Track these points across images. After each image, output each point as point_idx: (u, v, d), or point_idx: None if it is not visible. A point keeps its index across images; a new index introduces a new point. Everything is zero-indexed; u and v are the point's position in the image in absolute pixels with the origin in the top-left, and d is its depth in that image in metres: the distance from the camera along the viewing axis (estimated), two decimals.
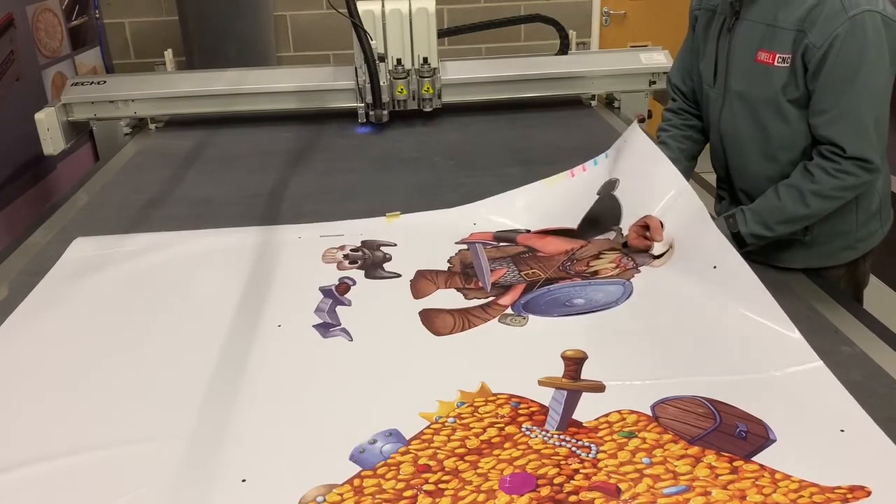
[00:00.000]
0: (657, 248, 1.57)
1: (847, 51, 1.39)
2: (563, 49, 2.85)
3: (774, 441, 1.07)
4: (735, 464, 1.03)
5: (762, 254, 1.59)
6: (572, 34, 2.90)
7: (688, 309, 1.42)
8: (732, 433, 1.09)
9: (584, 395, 1.19)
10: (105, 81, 2.72)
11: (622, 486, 1.00)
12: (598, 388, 1.20)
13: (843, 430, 1.09)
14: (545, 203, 1.82)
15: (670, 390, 1.18)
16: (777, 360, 1.24)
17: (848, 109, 1.42)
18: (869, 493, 0.96)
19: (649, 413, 1.14)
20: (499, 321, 1.42)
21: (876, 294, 1.87)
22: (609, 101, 2.95)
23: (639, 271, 1.55)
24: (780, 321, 1.31)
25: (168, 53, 3.10)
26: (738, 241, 1.52)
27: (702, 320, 1.39)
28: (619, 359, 1.28)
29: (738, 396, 1.16)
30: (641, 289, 1.50)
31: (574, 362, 1.27)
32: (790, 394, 1.17)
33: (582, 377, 1.23)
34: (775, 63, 1.48)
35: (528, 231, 1.77)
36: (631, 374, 1.24)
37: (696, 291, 1.45)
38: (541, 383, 1.22)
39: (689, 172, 1.74)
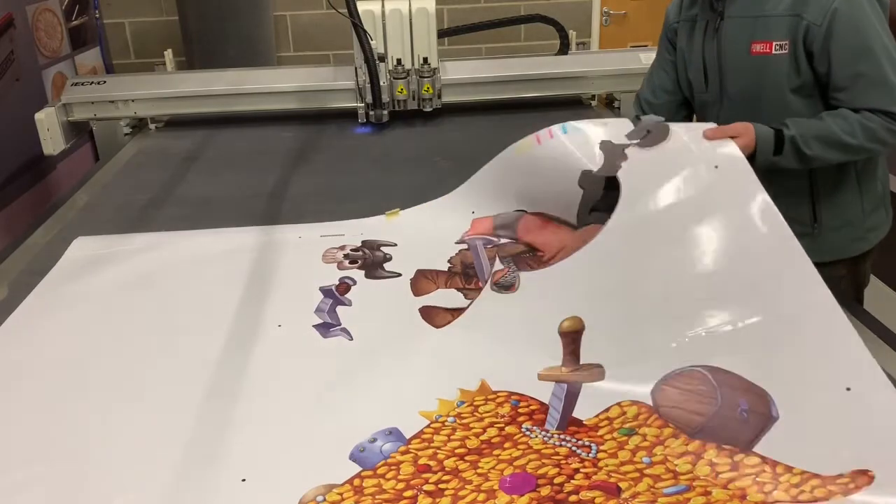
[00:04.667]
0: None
1: (849, 21, 1.40)
2: (563, 49, 2.85)
3: (777, 419, 1.04)
4: (735, 458, 1.02)
5: None
6: (572, 34, 2.90)
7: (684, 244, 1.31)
8: (734, 414, 1.07)
9: (584, 389, 1.18)
10: (105, 81, 2.72)
11: (622, 485, 1.00)
12: (599, 374, 1.20)
13: (849, 389, 1.04)
14: (523, 177, 1.73)
15: (671, 361, 1.16)
16: (786, 297, 1.19)
17: (872, 75, 1.43)
18: (871, 479, 0.94)
19: (650, 402, 1.13)
20: (492, 288, 1.41)
21: (876, 294, 1.87)
22: (609, 101, 2.95)
23: None
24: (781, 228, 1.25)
25: (168, 53, 3.10)
26: (777, 140, 1.47)
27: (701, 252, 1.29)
28: (618, 324, 1.25)
29: (739, 360, 1.12)
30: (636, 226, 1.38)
31: (572, 336, 1.25)
32: (795, 344, 1.13)
33: (581, 353, 1.22)
34: (773, 51, 1.49)
35: (525, 211, 1.72)
36: (630, 345, 1.21)
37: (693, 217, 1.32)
38: (541, 377, 1.21)
39: None
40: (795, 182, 1.60)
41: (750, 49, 1.52)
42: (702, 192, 1.34)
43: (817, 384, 1.07)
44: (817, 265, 1.59)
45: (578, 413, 1.14)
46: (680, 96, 1.80)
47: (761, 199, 1.30)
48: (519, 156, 1.74)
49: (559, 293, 1.34)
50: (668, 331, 1.21)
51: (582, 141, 1.61)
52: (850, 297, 1.55)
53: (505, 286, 1.53)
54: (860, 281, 1.72)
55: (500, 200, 1.77)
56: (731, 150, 1.39)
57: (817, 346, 1.12)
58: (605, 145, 1.55)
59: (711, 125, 1.46)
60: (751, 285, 1.22)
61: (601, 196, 1.61)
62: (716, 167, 1.36)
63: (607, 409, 1.13)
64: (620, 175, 1.40)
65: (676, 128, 1.46)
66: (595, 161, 1.54)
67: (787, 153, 1.48)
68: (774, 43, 1.48)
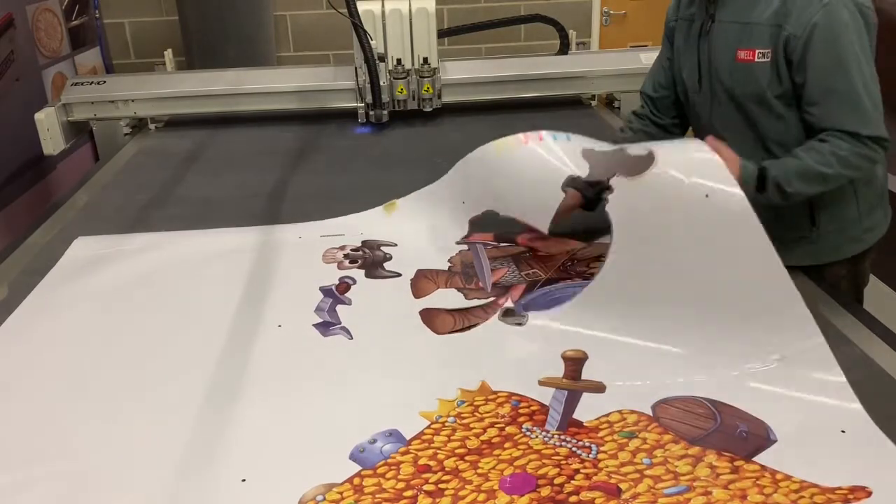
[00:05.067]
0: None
1: (828, 36, 1.40)
2: (563, 49, 2.85)
3: (775, 441, 1.07)
4: (736, 463, 1.03)
5: None
6: (572, 34, 2.91)
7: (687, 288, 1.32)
8: (733, 433, 1.09)
9: (585, 394, 1.19)
10: (105, 81, 2.72)
11: (623, 485, 1.00)
12: (599, 388, 1.21)
13: (843, 432, 1.09)
14: (500, 177, 1.66)
15: (672, 391, 1.19)
16: (782, 338, 1.22)
17: (844, 92, 1.43)
18: (869, 494, 0.96)
19: (650, 413, 1.14)
20: (499, 318, 1.42)
21: (876, 294, 1.87)
22: (609, 101, 2.96)
23: None
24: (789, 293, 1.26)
25: (168, 53, 3.10)
26: (759, 181, 1.46)
27: (702, 299, 1.30)
28: (621, 359, 1.28)
29: (739, 395, 1.16)
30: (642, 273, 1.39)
31: (574, 363, 1.27)
32: (792, 389, 1.17)
33: (583, 377, 1.23)
34: (756, 59, 1.49)
35: (497, 214, 1.66)
36: (632, 374, 1.23)
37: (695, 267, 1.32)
38: (541, 383, 1.22)
39: None
40: None
41: (735, 55, 1.53)
42: (693, 225, 1.31)
43: (813, 427, 1.10)
44: (817, 267, 1.61)
45: (579, 415, 1.14)
46: (676, 93, 1.81)
47: (754, 229, 1.27)
48: (500, 153, 1.67)
49: (561, 335, 1.34)
50: (667, 371, 1.23)
51: (570, 149, 1.57)
52: (850, 297, 1.55)
53: (505, 286, 1.53)
54: (860, 281, 1.72)
55: (480, 194, 1.71)
56: (723, 177, 1.32)
57: (810, 393, 1.16)
58: (588, 153, 1.53)
59: (696, 141, 1.43)
60: (745, 328, 1.25)
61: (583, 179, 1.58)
62: (706, 196, 1.30)
63: (608, 415, 1.14)
64: (609, 210, 1.37)
65: (661, 153, 1.38)
66: (582, 168, 1.52)
67: (770, 192, 1.48)
68: (757, 51, 1.49)
